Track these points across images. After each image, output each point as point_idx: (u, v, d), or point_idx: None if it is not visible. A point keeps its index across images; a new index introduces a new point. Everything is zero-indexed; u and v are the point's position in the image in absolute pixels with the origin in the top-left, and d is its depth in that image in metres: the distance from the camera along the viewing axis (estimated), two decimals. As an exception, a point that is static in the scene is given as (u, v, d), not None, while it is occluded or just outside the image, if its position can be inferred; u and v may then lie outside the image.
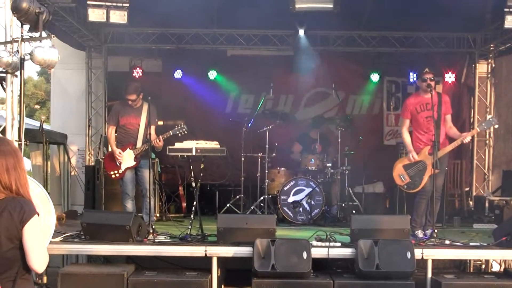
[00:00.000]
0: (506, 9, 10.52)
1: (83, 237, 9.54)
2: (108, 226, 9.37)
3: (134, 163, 10.76)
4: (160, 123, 14.27)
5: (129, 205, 10.79)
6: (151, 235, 9.75)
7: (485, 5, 12.26)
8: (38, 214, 4.52)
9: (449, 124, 10.35)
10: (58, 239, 9.40)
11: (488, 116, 10.44)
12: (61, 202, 14.42)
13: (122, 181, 10.85)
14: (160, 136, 10.57)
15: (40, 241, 4.52)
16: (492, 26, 13.51)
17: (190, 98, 15.30)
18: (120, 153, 10.69)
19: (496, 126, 10.54)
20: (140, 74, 14.89)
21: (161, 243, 9.50)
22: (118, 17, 10.44)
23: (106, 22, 10.56)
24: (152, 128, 10.71)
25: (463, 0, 11.06)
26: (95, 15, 10.40)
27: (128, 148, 10.75)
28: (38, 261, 4.48)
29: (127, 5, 10.32)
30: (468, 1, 11.38)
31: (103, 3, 10.26)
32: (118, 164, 10.77)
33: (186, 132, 10.48)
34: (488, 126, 10.58)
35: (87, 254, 10.31)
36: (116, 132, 10.97)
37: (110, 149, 10.96)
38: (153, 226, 10.17)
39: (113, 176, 10.88)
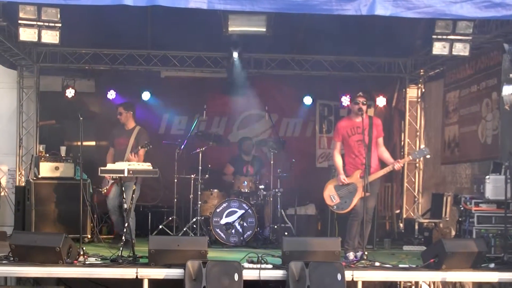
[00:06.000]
0: (434, 36, 10.75)
1: (12, 259, 9.35)
2: (38, 247, 9.22)
3: None
4: (93, 143, 14.23)
5: None
6: (82, 256, 9.61)
7: (415, 31, 12.52)
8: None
9: (381, 147, 10.49)
10: (-14, 261, 9.24)
11: (422, 146, 10.63)
12: (-11, 224, 14.15)
13: None
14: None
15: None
16: (422, 52, 13.74)
17: (123, 119, 15.18)
18: None
19: (428, 157, 10.76)
20: (73, 95, 14.71)
21: (91, 265, 9.40)
22: (50, 37, 10.28)
23: (38, 42, 10.44)
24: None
25: (394, 26, 11.28)
26: (27, 34, 10.22)
27: None
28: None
29: (59, 25, 10.18)
30: (398, 28, 11.63)
31: (34, 23, 10.09)
32: None
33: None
34: (420, 156, 10.87)
35: (16, 276, 10.15)
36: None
37: None
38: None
39: None
